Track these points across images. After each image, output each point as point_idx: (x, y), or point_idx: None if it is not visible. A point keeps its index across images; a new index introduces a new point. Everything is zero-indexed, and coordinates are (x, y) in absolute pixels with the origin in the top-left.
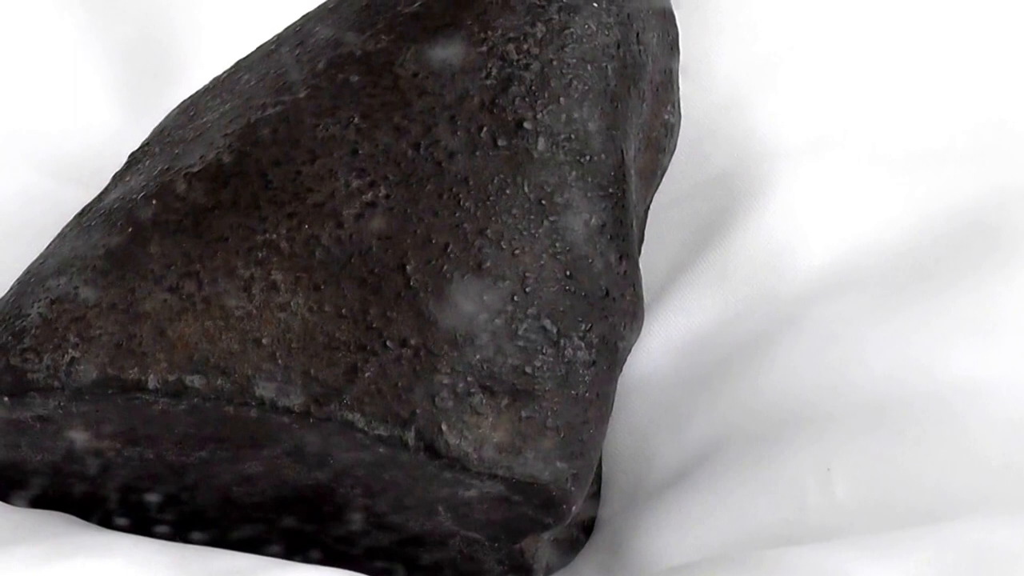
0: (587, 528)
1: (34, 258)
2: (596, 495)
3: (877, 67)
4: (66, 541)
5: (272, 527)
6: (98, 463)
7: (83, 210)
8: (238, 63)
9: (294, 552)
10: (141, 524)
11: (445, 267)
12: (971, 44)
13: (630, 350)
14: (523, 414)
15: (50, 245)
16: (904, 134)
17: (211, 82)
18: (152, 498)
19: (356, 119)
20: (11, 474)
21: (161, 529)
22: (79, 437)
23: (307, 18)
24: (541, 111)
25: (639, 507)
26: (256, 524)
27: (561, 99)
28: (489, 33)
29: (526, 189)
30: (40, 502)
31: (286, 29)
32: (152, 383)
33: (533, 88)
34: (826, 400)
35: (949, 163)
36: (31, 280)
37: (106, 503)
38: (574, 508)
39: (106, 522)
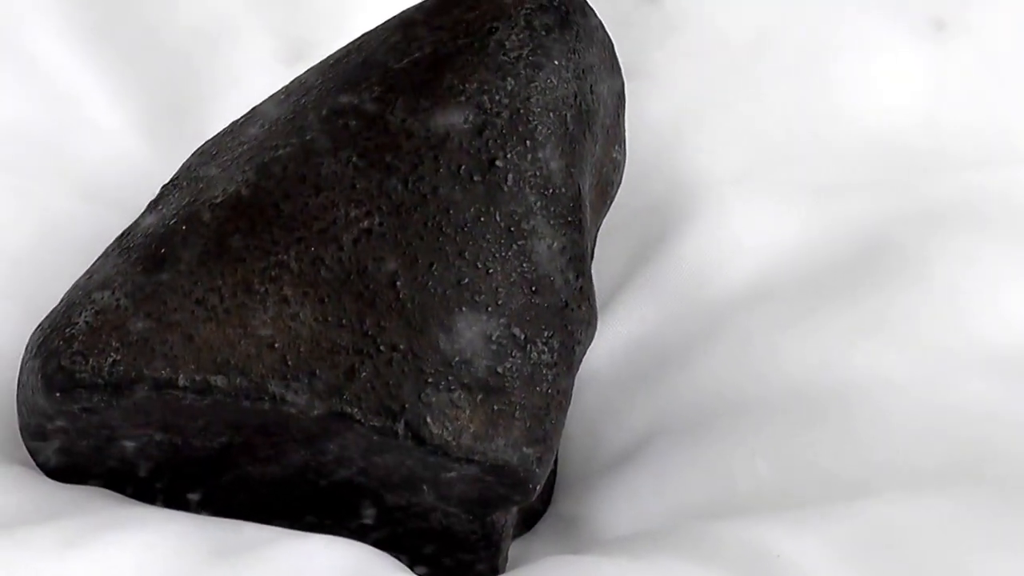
0: (545, 503)
1: (78, 272)
2: (553, 474)
3: (786, 112)
4: (102, 515)
5: (297, 522)
6: (134, 447)
7: (122, 234)
8: (253, 109)
9: None
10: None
11: (430, 283)
12: (867, 88)
13: (585, 354)
14: (495, 407)
15: (95, 263)
16: (811, 168)
17: (230, 126)
18: (193, 496)
19: (354, 158)
20: (65, 467)
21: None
22: (118, 426)
23: (311, 72)
24: (511, 152)
25: (589, 486)
26: (281, 519)
27: (528, 142)
28: (466, 86)
29: (498, 218)
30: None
31: (293, 81)
32: (181, 381)
33: (504, 132)
34: (749, 393)
35: (851, 191)
36: (78, 294)
37: (143, 493)
38: (538, 487)
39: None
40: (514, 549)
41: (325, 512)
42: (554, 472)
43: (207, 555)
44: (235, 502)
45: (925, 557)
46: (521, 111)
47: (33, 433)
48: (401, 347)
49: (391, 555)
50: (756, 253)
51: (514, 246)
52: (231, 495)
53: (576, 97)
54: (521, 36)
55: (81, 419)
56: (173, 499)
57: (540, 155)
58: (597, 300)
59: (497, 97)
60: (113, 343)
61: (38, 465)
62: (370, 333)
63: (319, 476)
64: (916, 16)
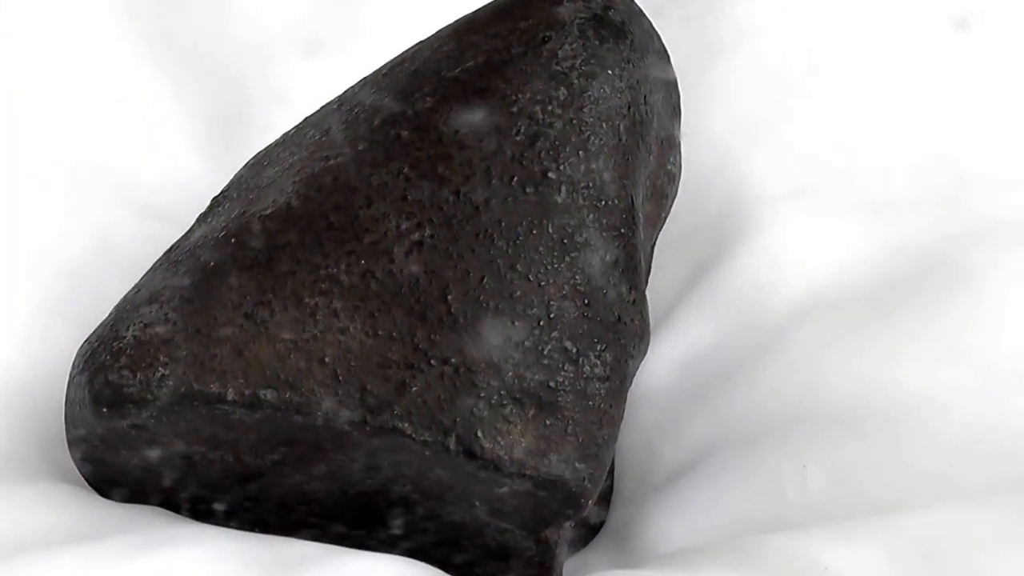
0: (602, 519)
1: (128, 287)
2: (610, 489)
3: (843, 128)
4: (158, 532)
5: (325, 532)
6: (184, 464)
7: (172, 247)
8: (305, 120)
9: None
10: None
11: (482, 297)
12: (925, 105)
13: (638, 367)
14: (547, 422)
15: (143, 277)
16: (868, 185)
17: (281, 137)
18: (219, 507)
19: (405, 169)
20: (112, 478)
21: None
22: (168, 442)
23: (363, 83)
24: (563, 163)
25: (644, 501)
26: (312, 529)
27: (580, 153)
28: (519, 96)
29: (550, 230)
30: (134, 500)
31: (345, 92)
32: (231, 396)
33: (556, 143)
34: (803, 408)
35: (906, 208)
36: (127, 308)
37: (189, 502)
38: (591, 502)
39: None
40: (570, 564)
41: (354, 522)
42: (610, 488)
43: (263, 569)
44: (263, 512)
45: (973, 571)
46: (574, 121)
47: (81, 449)
48: (452, 361)
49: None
50: (811, 269)
51: (566, 259)
52: (259, 505)
53: (630, 107)
54: (575, 46)
55: (128, 434)
56: (198, 509)
57: (593, 166)
58: (653, 315)
59: (550, 107)
60: (161, 357)
61: (87, 481)
62: (421, 347)
63: (357, 476)
64: (973, 28)
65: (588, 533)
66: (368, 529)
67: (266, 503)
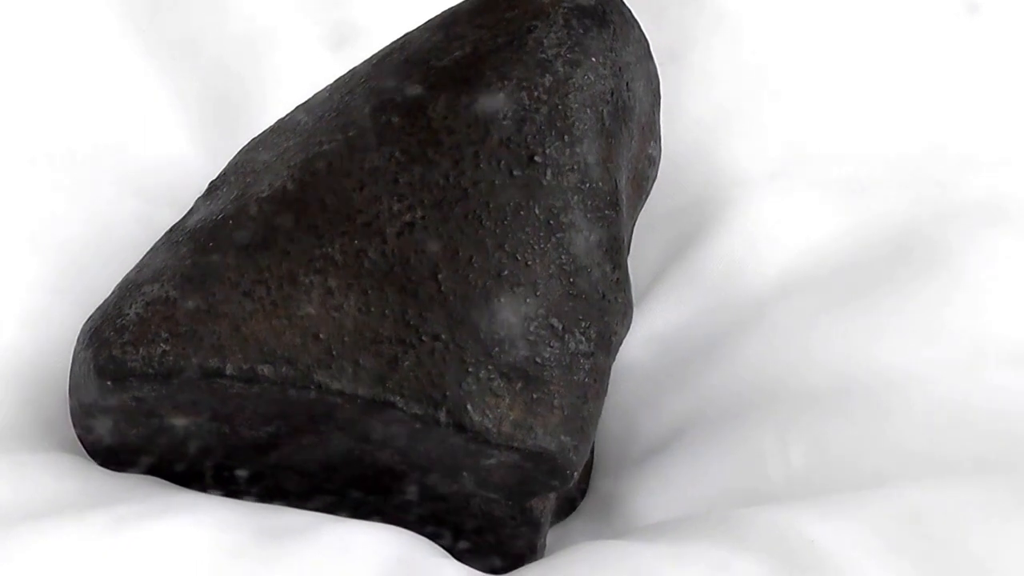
0: (583, 490)
1: (127, 267)
2: (590, 463)
3: (819, 109)
4: (154, 502)
5: (341, 499)
6: (183, 436)
7: (172, 228)
8: (298, 107)
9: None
10: (229, 495)
11: (470, 276)
12: (901, 87)
13: (621, 343)
14: (534, 396)
15: (145, 257)
16: (844, 165)
17: (276, 123)
18: (241, 473)
19: (397, 154)
20: (112, 449)
21: (247, 500)
22: (168, 414)
23: (355, 71)
24: (549, 147)
25: (626, 474)
26: (327, 495)
27: (566, 137)
28: (506, 83)
29: (537, 211)
30: (135, 470)
31: (338, 79)
32: (229, 371)
33: (543, 128)
34: (781, 384)
35: (883, 189)
36: (129, 286)
37: (192, 472)
38: (576, 474)
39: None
40: (552, 535)
41: (369, 489)
42: (591, 460)
43: (255, 535)
44: (282, 478)
45: (954, 543)
46: (559, 107)
47: (84, 421)
48: (443, 337)
49: (433, 540)
50: (789, 247)
51: (552, 239)
52: (278, 472)
53: (613, 93)
54: (559, 34)
55: (131, 407)
56: (221, 476)
57: (578, 150)
58: (634, 292)
59: (536, 93)
60: (163, 333)
61: (88, 453)
62: (412, 323)
63: (362, 459)
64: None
65: (569, 505)
66: (383, 495)
67: (286, 470)
